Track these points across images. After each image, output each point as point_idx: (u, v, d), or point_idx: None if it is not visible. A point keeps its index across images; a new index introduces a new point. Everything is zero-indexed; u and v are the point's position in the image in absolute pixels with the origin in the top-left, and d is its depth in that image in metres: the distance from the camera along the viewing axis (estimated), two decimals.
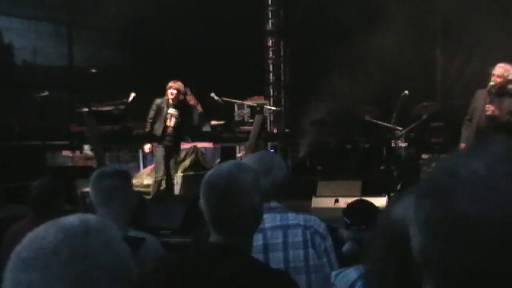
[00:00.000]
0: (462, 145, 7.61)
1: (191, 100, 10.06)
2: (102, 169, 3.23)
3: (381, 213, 1.57)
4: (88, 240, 1.13)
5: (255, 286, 2.15)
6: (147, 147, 9.18)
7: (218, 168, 2.36)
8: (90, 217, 1.20)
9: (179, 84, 8.92)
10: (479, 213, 0.86)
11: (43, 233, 1.14)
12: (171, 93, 8.82)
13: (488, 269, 0.86)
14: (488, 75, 7.49)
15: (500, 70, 7.34)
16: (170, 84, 8.87)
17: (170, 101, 8.86)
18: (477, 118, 7.50)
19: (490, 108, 7.28)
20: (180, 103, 8.96)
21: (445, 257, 0.89)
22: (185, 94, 9.05)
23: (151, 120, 8.92)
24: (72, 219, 1.17)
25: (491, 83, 7.32)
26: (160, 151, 8.96)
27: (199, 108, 10.46)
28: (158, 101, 8.92)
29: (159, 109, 8.88)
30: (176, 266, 2.27)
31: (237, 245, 2.24)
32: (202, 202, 2.25)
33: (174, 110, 8.92)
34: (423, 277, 0.95)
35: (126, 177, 3.25)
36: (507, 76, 7.33)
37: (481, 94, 7.57)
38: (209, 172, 2.33)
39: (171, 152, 9.05)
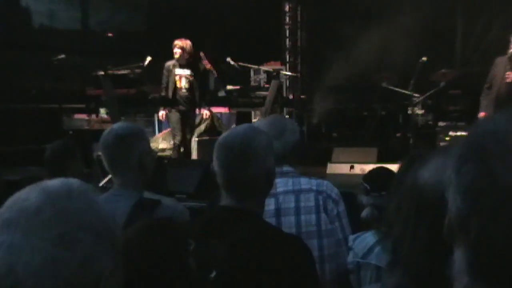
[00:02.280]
0: (482, 113, 7.53)
1: (207, 64, 9.99)
2: (111, 129, 2.94)
3: (406, 176, 1.54)
4: (70, 201, 1.14)
5: (268, 250, 2.15)
6: (160, 114, 8.96)
7: (232, 130, 2.36)
8: (72, 180, 1.21)
9: (184, 42, 8.52)
10: None
11: (25, 195, 1.14)
12: (175, 52, 8.48)
13: None
14: (507, 42, 7.38)
15: None
16: (175, 42, 8.51)
17: (177, 61, 8.55)
18: (497, 86, 7.41)
19: (510, 76, 7.20)
20: (190, 63, 8.63)
21: (485, 227, 0.86)
22: (191, 53, 8.60)
23: (164, 85, 8.69)
24: (54, 182, 1.19)
25: (511, 50, 7.22)
26: (175, 116, 8.70)
27: (214, 73, 10.41)
28: (167, 63, 8.63)
29: (168, 72, 8.61)
30: (187, 229, 2.26)
31: (249, 208, 2.23)
32: (215, 164, 2.24)
33: (183, 70, 8.60)
34: (456, 240, 0.93)
35: (138, 136, 2.95)
36: None
37: (501, 61, 7.46)
38: (223, 134, 2.32)
39: (187, 116, 8.76)
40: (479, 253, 0.88)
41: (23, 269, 1.06)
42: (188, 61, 8.59)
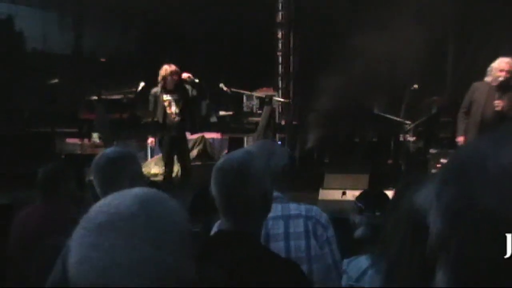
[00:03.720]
0: (461, 138, 7.59)
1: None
2: (103, 152, 2.98)
3: (402, 199, 1.56)
4: (161, 207, 1.22)
5: (265, 274, 2.17)
6: (150, 141, 8.88)
7: (230, 155, 2.40)
8: (156, 190, 1.29)
9: (171, 67, 8.43)
10: (504, 210, 0.84)
11: (118, 200, 1.21)
12: (162, 78, 8.39)
13: (504, 266, 0.85)
14: (485, 69, 7.45)
15: (507, 65, 7.26)
16: (163, 67, 8.43)
17: (163, 87, 8.44)
18: (479, 111, 7.43)
19: (500, 104, 7.24)
20: (176, 88, 8.50)
21: (463, 248, 0.88)
22: (177, 78, 8.46)
23: (152, 112, 8.59)
24: (141, 189, 1.27)
25: (501, 78, 7.24)
26: (167, 142, 8.65)
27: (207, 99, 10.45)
28: (153, 90, 8.53)
29: (155, 98, 8.50)
30: None
31: (247, 231, 2.26)
32: (213, 189, 2.28)
33: (171, 95, 8.48)
34: (437, 261, 0.94)
35: (130, 160, 3.00)
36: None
37: (480, 87, 7.51)
38: (221, 159, 2.37)
39: (179, 142, 8.70)
40: (458, 273, 0.90)
41: (117, 270, 1.12)
42: (175, 86, 8.50)
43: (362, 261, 2.59)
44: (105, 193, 2.85)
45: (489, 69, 7.41)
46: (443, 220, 0.91)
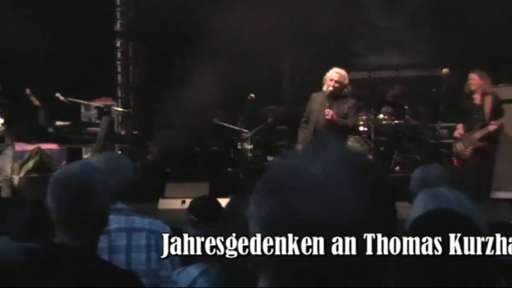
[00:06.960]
0: (300, 146, 7.79)
1: (34, 101, 9.71)
2: None
3: (240, 210, 1.63)
4: None
5: (103, 286, 2.17)
6: None
7: (69, 167, 2.36)
8: None
9: None
10: (316, 214, 0.92)
11: None
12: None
13: (318, 268, 0.93)
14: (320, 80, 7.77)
15: (337, 75, 7.54)
16: None
17: None
18: (314, 120, 7.66)
19: (329, 113, 7.42)
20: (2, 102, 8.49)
21: (283, 256, 0.93)
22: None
23: None
24: None
25: (330, 88, 7.49)
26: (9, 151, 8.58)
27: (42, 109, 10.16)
28: None
29: None
30: (20, 267, 2.23)
31: (85, 245, 2.24)
32: (50, 201, 2.23)
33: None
34: (260, 271, 1.00)
35: None
36: (343, 81, 7.59)
37: (317, 97, 7.75)
38: (59, 171, 2.32)
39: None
40: (279, 281, 0.97)
41: None
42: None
43: (192, 271, 2.63)
44: None
45: (324, 78, 7.71)
46: (262, 230, 0.97)
